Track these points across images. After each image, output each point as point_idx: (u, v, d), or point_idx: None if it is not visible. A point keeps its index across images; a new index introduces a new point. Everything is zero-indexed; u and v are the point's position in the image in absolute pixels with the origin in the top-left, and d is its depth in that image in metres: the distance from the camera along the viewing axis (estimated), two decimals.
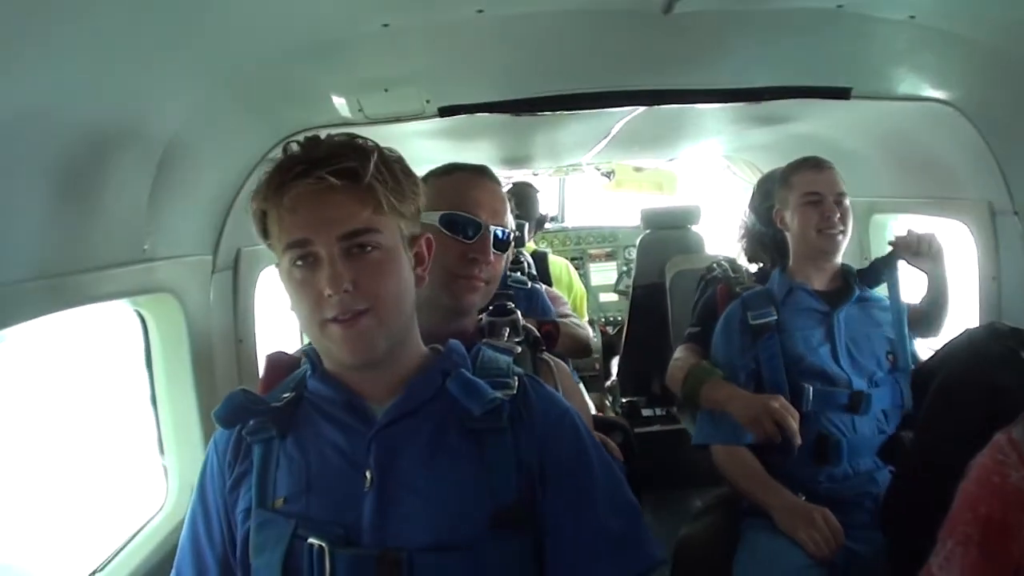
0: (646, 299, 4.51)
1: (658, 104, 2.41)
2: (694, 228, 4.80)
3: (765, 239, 2.91)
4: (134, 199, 1.80)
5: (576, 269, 4.69)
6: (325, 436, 1.33)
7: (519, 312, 1.81)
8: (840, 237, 2.44)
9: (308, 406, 1.37)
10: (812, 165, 2.49)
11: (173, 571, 1.40)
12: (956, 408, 1.88)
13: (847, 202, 2.44)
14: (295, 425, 1.36)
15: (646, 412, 4.66)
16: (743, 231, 3.06)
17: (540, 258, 4.26)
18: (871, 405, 2.35)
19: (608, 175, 5.50)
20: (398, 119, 2.25)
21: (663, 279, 4.20)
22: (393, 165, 1.28)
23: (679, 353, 2.78)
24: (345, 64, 1.97)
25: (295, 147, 1.26)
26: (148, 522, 2.13)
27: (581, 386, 2.37)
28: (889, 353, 2.43)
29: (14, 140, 1.31)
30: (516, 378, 1.39)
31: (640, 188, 5.55)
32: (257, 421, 1.36)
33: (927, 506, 1.70)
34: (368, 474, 1.27)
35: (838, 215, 2.41)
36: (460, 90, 2.25)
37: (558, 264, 4.47)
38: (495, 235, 1.70)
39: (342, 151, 1.24)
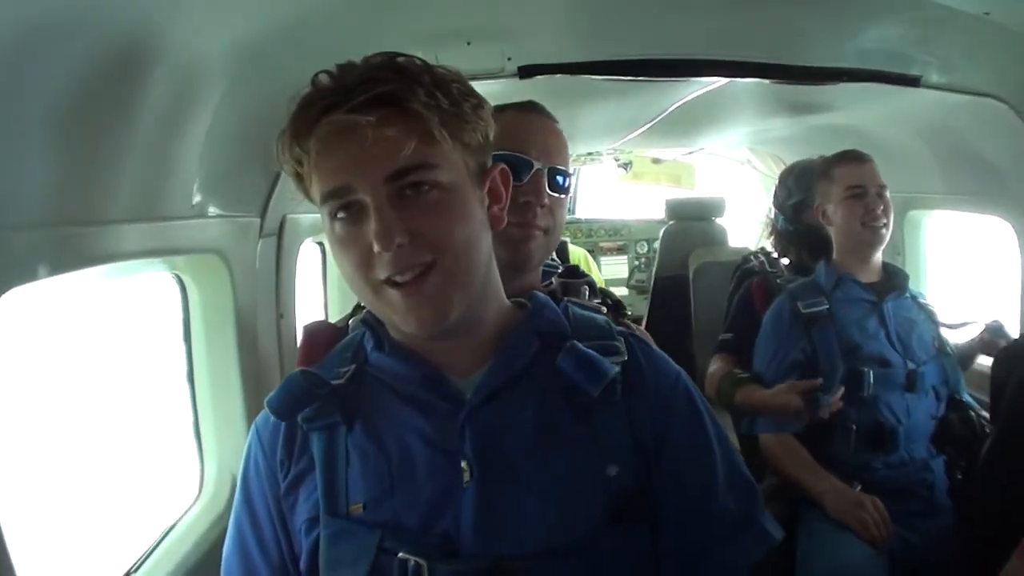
0: (669, 291, 4.41)
1: (741, 77, 2.30)
2: (718, 221, 4.69)
3: (791, 236, 2.97)
4: (189, 147, 1.60)
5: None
6: (404, 421, 1.10)
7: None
8: (884, 231, 2.46)
9: (373, 383, 1.13)
10: (853, 158, 2.50)
11: None
12: None
13: (888, 195, 2.45)
14: (362, 408, 1.12)
15: None
16: (771, 228, 3.05)
17: (560, 246, 4.13)
18: (925, 381, 2.39)
19: (626, 166, 5.36)
20: (474, 77, 2.05)
21: (686, 271, 4.14)
22: (449, 86, 1.04)
23: (712, 366, 2.83)
24: (425, 13, 1.80)
25: (323, 77, 1.02)
26: (185, 513, 1.92)
27: None
28: (934, 339, 2.48)
29: (35, 54, 1.07)
30: (622, 340, 1.17)
31: (658, 180, 5.43)
32: (315, 406, 1.12)
33: (1013, 490, 1.65)
34: (465, 465, 1.05)
35: (881, 208, 2.42)
36: (543, 48, 2.09)
37: (577, 253, 4.39)
38: (551, 176, 1.48)
39: (379, 74, 1.00)
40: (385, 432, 1.10)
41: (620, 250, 6.05)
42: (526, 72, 2.07)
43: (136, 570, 1.70)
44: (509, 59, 2.04)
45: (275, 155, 1.07)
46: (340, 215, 1.01)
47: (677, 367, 1.21)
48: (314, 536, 1.08)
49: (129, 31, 1.24)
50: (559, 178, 1.49)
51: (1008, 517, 1.63)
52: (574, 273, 1.59)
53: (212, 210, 1.78)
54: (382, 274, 1.00)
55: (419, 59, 1.04)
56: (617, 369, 1.11)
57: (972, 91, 2.30)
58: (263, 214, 2.04)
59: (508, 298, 1.20)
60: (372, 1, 1.68)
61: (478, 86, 1.10)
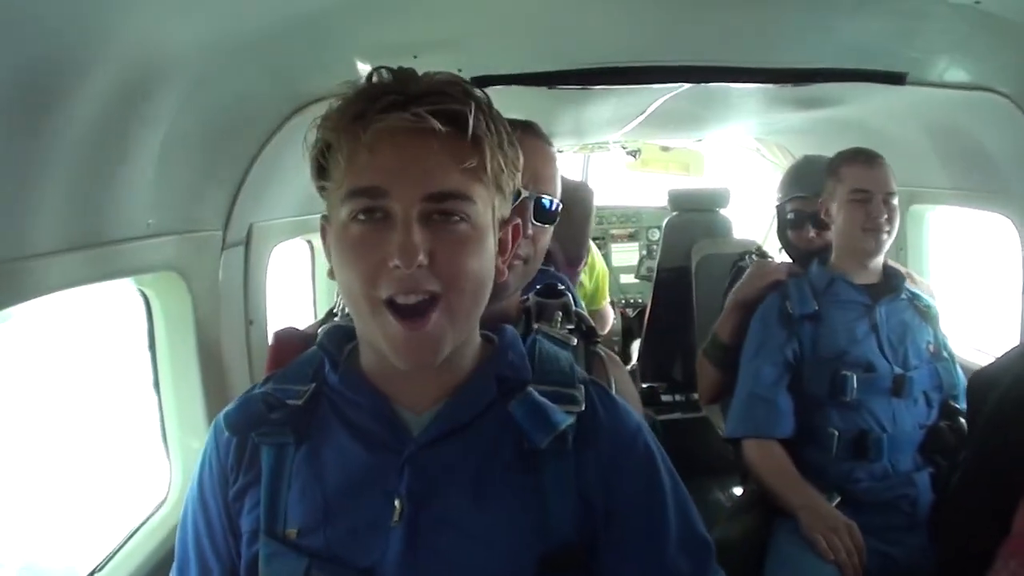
0: (671, 283, 4.39)
1: (705, 81, 2.26)
2: (722, 212, 4.64)
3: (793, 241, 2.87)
4: (140, 166, 1.61)
5: (598, 249, 4.55)
6: (347, 450, 1.08)
7: (571, 295, 1.57)
8: (885, 237, 2.36)
9: (327, 407, 1.12)
10: (864, 159, 2.39)
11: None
12: (1018, 420, 1.74)
13: (895, 201, 2.35)
14: (312, 431, 1.11)
15: (666, 398, 4.55)
16: (775, 223, 3.00)
17: None
18: (913, 387, 2.32)
19: (634, 154, 5.33)
20: None
21: (689, 263, 4.12)
22: (501, 126, 1.03)
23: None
24: (373, 27, 1.80)
25: (385, 73, 1.00)
26: (150, 516, 1.99)
27: None
28: (929, 343, 2.40)
29: None
30: (582, 389, 1.14)
31: (667, 169, 5.38)
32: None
33: (984, 518, 1.62)
34: (398, 503, 1.04)
35: (885, 216, 2.32)
36: (495, 59, 2.08)
37: None
38: (538, 204, 1.43)
39: (447, 89, 0.98)
40: (328, 459, 1.09)
41: (631, 237, 6.01)
42: (479, 83, 2.04)
43: (99, 570, 1.76)
44: (460, 70, 2.00)
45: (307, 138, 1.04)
46: (361, 217, 0.98)
47: (638, 419, 1.17)
48: (254, 550, 1.09)
49: (71, 36, 1.20)
50: (545, 206, 1.45)
51: (977, 546, 1.60)
52: (552, 292, 1.56)
53: (169, 227, 1.80)
54: (386, 292, 0.97)
55: (481, 91, 1.03)
56: (570, 421, 1.07)
57: (967, 85, 2.24)
58: (225, 226, 2.07)
59: (482, 323, 1.18)
60: (323, 16, 1.68)
61: None
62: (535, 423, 1.06)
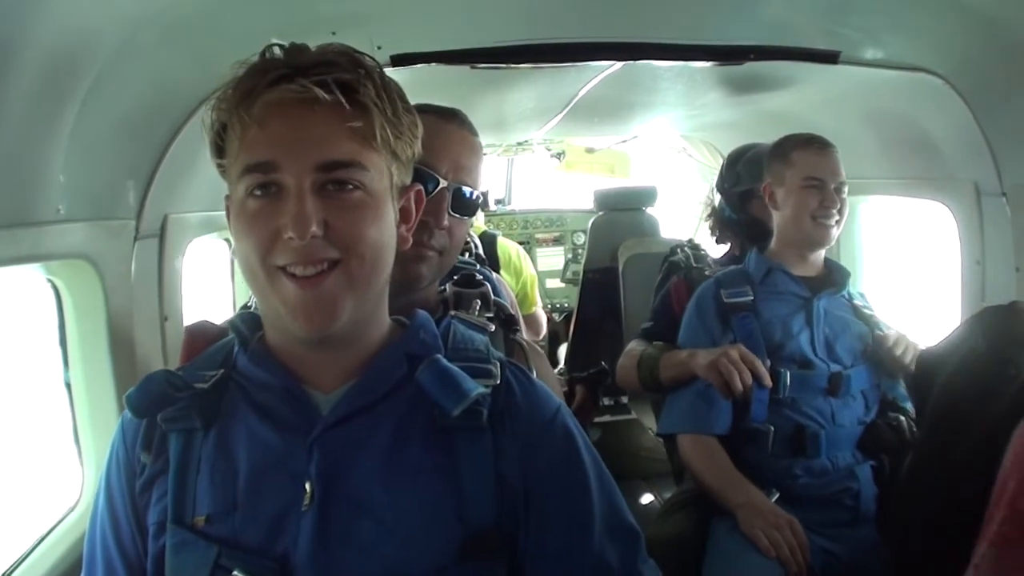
0: (598, 283, 4.37)
1: (635, 59, 2.22)
2: (649, 211, 4.65)
3: (734, 225, 2.84)
4: (52, 147, 1.54)
5: (526, 254, 4.54)
6: (256, 433, 1.06)
7: (489, 285, 1.56)
8: (835, 230, 2.32)
9: (236, 391, 1.11)
10: (818, 146, 2.34)
11: None
12: (961, 405, 1.73)
13: (846, 192, 2.31)
14: (221, 415, 1.09)
15: None
16: (710, 211, 2.95)
17: (488, 240, 4.07)
18: (850, 386, 2.26)
19: (559, 156, 5.35)
20: None
21: (616, 263, 4.09)
22: (394, 93, 1.04)
23: (629, 346, 2.67)
24: (289, 3, 1.75)
25: (276, 51, 1.00)
26: (62, 520, 1.89)
27: None
28: (868, 343, 2.34)
29: None
30: (498, 364, 1.14)
31: (592, 170, 5.41)
32: (176, 408, 1.09)
33: (935, 509, 1.60)
34: (308, 487, 1.02)
35: (837, 206, 2.29)
36: (415, 36, 2.03)
37: (507, 248, 4.31)
38: (457, 196, 1.42)
39: (336, 59, 0.99)
40: (237, 444, 1.07)
41: (556, 241, 6.03)
42: (399, 61, 2.01)
43: (10, 574, 1.68)
44: (379, 48, 1.97)
45: (204, 120, 1.05)
46: (256, 192, 0.99)
47: (558, 401, 1.17)
48: (161, 542, 1.06)
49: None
50: (464, 198, 1.43)
51: (932, 535, 1.59)
52: (469, 282, 1.55)
53: (78, 213, 1.72)
54: (282, 260, 0.98)
55: (371, 57, 1.03)
56: (482, 390, 1.07)
57: (902, 65, 2.21)
58: (139, 216, 1.98)
59: (393, 314, 1.17)
60: None
61: None
62: (445, 390, 1.06)
